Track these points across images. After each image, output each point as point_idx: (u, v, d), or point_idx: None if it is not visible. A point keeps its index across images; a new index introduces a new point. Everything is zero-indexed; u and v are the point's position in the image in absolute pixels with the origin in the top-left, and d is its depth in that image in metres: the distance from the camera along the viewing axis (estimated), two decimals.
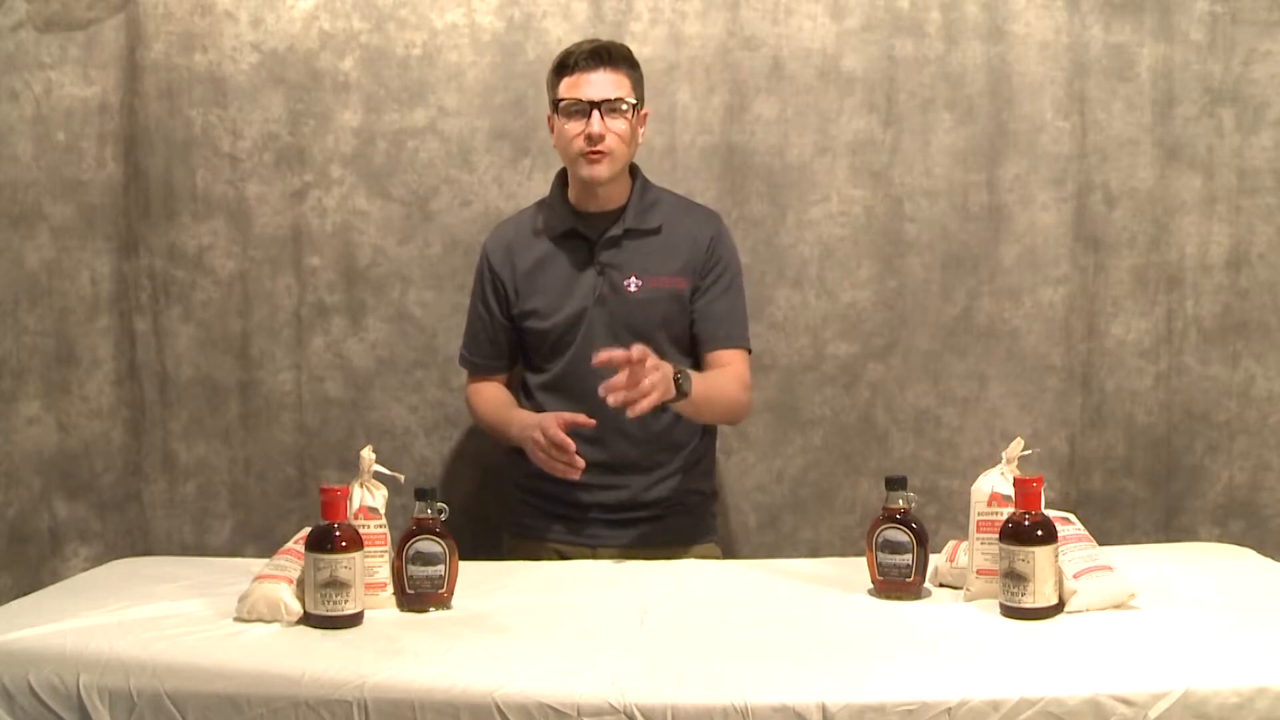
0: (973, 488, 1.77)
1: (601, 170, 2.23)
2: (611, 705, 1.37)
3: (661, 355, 2.11)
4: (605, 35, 2.59)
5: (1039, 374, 2.71)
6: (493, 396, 2.40)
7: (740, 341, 2.33)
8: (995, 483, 1.75)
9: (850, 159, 2.68)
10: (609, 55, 2.24)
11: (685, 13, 2.66)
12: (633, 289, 2.27)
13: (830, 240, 2.69)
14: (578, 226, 2.30)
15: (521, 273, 2.33)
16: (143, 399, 2.69)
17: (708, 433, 2.39)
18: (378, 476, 1.83)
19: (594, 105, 2.20)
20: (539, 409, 2.29)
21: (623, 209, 2.31)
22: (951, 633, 1.61)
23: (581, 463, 2.10)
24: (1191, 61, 2.67)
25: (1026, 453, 1.76)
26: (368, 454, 1.82)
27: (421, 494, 1.77)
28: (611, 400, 1.97)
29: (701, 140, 2.68)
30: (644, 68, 2.66)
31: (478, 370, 2.43)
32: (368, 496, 1.80)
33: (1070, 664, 1.45)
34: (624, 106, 2.23)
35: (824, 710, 1.35)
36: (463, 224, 2.68)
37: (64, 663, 1.51)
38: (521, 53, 2.66)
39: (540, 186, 2.66)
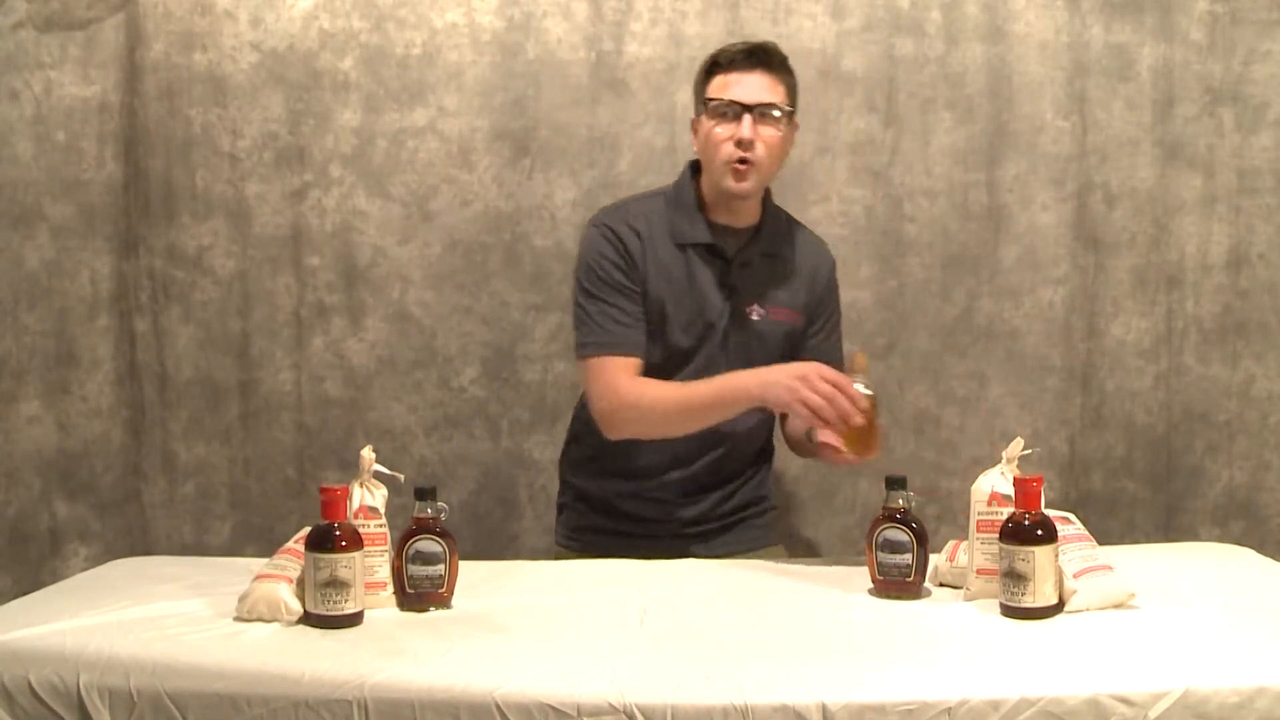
0: (973, 487, 1.77)
1: (748, 185, 2.06)
2: (611, 705, 1.37)
3: None
4: (605, 35, 2.60)
5: (1039, 374, 2.71)
6: (655, 380, 2.06)
7: None
8: (995, 482, 1.75)
9: (850, 159, 2.68)
10: (765, 56, 2.06)
11: (685, 13, 2.66)
12: (754, 318, 2.12)
13: (830, 240, 2.67)
14: (716, 241, 2.11)
15: (654, 276, 2.09)
16: (143, 399, 2.69)
17: (767, 445, 2.29)
18: (378, 476, 1.82)
19: (745, 109, 2.02)
20: None
21: (756, 228, 2.14)
22: (951, 633, 1.61)
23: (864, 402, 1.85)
24: (1191, 61, 2.67)
25: (1026, 452, 1.76)
26: (368, 454, 1.82)
27: (421, 494, 1.76)
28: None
29: None
30: (644, 68, 2.67)
31: (627, 350, 2.06)
32: (368, 496, 1.80)
33: (1070, 664, 1.45)
34: (777, 114, 2.06)
35: (824, 710, 1.35)
36: (463, 224, 2.68)
37: (64, 663, 1.51)
38: (521, 52, 2.66)
39: (540, 186, 2.67)
